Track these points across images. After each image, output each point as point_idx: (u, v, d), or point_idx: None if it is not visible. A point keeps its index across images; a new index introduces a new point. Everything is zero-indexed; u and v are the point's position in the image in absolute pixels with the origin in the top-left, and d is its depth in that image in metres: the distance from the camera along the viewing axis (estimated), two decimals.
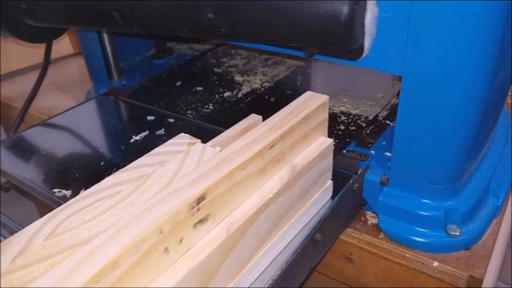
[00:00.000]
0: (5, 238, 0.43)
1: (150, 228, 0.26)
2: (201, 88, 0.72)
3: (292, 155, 0.37)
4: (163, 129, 0.59)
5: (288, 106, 0.39)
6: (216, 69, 0.80)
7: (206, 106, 0.66)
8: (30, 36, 0.66)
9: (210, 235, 0.30)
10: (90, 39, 0.71)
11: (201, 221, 0.29)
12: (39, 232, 0.26)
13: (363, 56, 0.44)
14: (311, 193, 0.40)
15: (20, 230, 0.41)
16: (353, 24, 0.40)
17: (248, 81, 0.74)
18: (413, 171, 0.46)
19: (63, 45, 1.01)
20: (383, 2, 0.40)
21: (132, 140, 0.57)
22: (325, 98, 0.40)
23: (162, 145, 0.34)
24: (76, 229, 0.26)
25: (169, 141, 0.35)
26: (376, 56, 0.43)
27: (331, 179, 0.44)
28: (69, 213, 0.27)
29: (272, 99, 0.67)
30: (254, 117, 0.41)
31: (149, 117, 0.62)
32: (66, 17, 0.57)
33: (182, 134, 0.36)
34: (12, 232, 0.43)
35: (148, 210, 0.27)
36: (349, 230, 0.50)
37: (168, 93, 0.71)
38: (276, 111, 0.39)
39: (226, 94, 0.70)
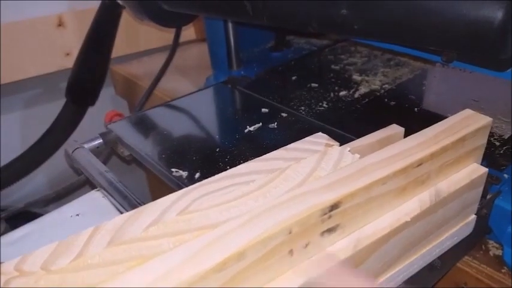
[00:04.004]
0: (125, 209, 0.48)
1: (280, 226, 0.25)
2: (316, 85, 0.72)
3: (438, 178, 0.35)
4: (276, 123, 0.60)
5: (441, 123, 0.36)
6: (333, 66, 0.78)
7: (320, 104, 0.66)
8: (164, 20, 0.71)
9: (336, 246, 0.29)
10: (216, 28, 0.75)
11: (329, 230, 0.29)
12: (173, 206, 0.27)
13: None
14: (450, 225, 0.37)
15: (140, 204, 0.45)
16: (507, 31, 0.37)
17: (367, 82, 0.71)
18: None
19: (185, 30, 1.08)
20: None
21: (246, 130, 0.59)
22: (487, 120, 0.36)
23: (299, 141, 0.34)
24: (207, 210, 0.27)
25: (306, 138, 0.35)
26: None
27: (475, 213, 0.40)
28: (202, 193, 0.28)
29: (392, 103, 0.64)
30: (395, 128, 0.39)
31: (263, 110, 0.64)
32: (200, 4, 0.60)
33: (320, 133, 0.35)
34: (131, 204, 0.47)
35: (280, 206, 0.27)
36: (467, 257, 0.46)
37: (283, 87, 0.72)
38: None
39: (342, 93, 0.68)
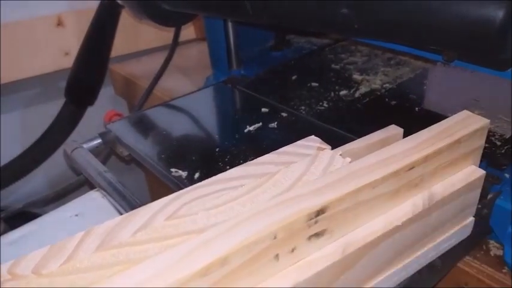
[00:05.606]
0: (124, 209, 0.48)
1: (265, 232, 0.26)
2: (317, 84, 0.72)
3: (432, 181, 0.35)
4: (276, 123, 0.60)
5: (437, 124, 0.36)
6: (333, 66, 0.78)
7: (320, 103, 0.66)
8: (164, 19, 0.71)
9: (324, 251, 0.29)
10: (215, 27, 0.75)
11: (317, 235, 0.29)
12: (163, 210, 0.28)
13: None
14: (446, 228, 0.37)
15: (139, 204, 0.45)
16: (507, 31, 0.37)
17: (367, 81, 0.71)
18: None
19: (185, 29, 1.07)
20: None
21: (246, 130, 0.59)
22: (485, 122, 0.36)
23: (291, 145, 0.34)
24: (195, 215, 0.27)
25: (299, 142, 0.35)
26: None
27: (474, 216, 0.40)
28: (193, 197, 0.29)
29: (393, 103, 0.64)
30: (393, 129, 0.39)
31: (263, 109, 0.64)
32: (200, 3, 0.60)
33: (313, 136, 0.36)
34: (130, 205, 0.47)
35: (266, 211, 0.27)
36: (468, 258, 0.46)
37: (283, 86, 0.72)
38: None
39: (343, 92, 0.69)
